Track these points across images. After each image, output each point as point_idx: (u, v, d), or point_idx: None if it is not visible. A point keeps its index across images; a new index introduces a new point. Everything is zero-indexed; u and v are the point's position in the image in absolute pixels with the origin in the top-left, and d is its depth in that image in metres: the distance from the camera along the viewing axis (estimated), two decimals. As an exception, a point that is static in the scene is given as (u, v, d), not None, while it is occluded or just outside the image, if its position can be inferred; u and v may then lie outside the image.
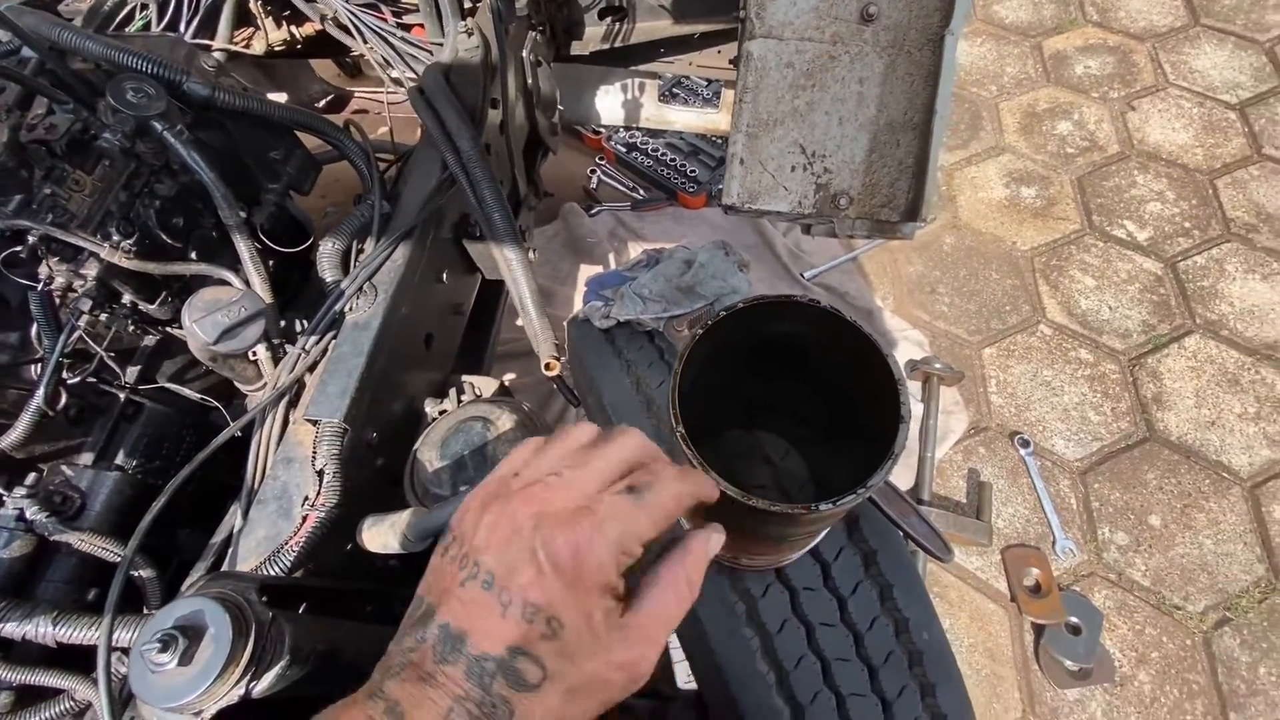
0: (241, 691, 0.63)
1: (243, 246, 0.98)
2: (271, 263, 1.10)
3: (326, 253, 1.05)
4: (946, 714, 0.69)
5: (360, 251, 1.11)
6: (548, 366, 1.15)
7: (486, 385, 1.19)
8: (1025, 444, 1.77)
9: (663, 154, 2.29)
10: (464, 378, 1.15)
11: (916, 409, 1.83)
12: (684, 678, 1.25)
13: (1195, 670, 1.51)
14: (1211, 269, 2.04)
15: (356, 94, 2.17)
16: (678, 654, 1.23)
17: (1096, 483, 1.73)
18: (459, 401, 1.06)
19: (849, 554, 0.70)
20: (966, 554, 1.66)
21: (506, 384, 1.24)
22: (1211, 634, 1.54)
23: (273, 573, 0.85)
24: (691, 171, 2.23)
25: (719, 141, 2.28)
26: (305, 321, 1.04)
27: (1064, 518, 1.69)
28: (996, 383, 1.89)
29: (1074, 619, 1.53)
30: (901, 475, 1.74)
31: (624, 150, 2.32)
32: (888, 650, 0.69)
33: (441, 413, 1.07)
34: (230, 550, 0.90)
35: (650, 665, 0.36)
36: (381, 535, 0.69)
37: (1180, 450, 1.76)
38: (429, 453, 0.93)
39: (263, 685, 0.65)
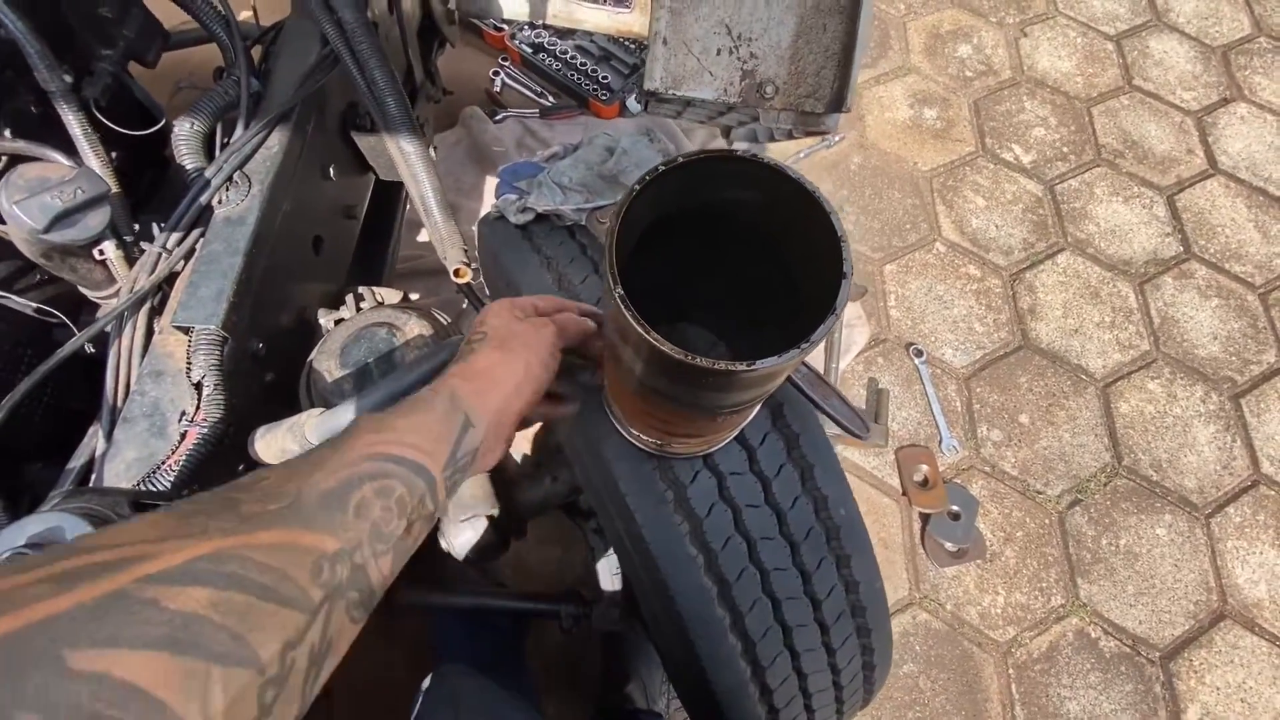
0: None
1: (71, 119, 0.82)
2: (115, 154, 0.94)
3: (184, 135, 0.90)
4: (859, 581, 0.74)
5: (226, 138, 0.96)
6: (457, 273, 1.08)
7: (389, 295, 1.10)
8: (919, 354, 1.89)
9: (573, 57, 2.15)
10: (364, 287, 1.06)
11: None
12: (607, 582, 1.27)
13: (1051, 544, 1.72)
14: (1083, 191, 2.21)
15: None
16: (599, 558, 1.25)
17: (978, 387, 1.89)
18: (358, 309, 0.97)
19: (773, 438, 0.71)
20: (865, 455, 1.78)
21: (410, 298, 1.15)
22: (1065, 513, 1.76)
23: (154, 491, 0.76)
24: (604, 78, 2.11)
25: (632, 46, 2.16)
26: (163, 224, 0.90)
27: (950, 419, 1.84)
28: (895, 297, 1.99)
29: (955, 507, 1.70)
30: (809, 385, 1.82)
31: (530, 51, 2.15)
32: (808, 527, 0.71)
33: (338, 322, 0.98)
34: (94, 475, 0.79)
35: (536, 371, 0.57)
36: (279, 441, 0.62)
37: (1048, 356, 1.94)
38: (327, 361, 0.85)
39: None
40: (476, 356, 0.56)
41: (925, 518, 1.71)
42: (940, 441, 1.81)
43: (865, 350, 1.91)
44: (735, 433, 0.65)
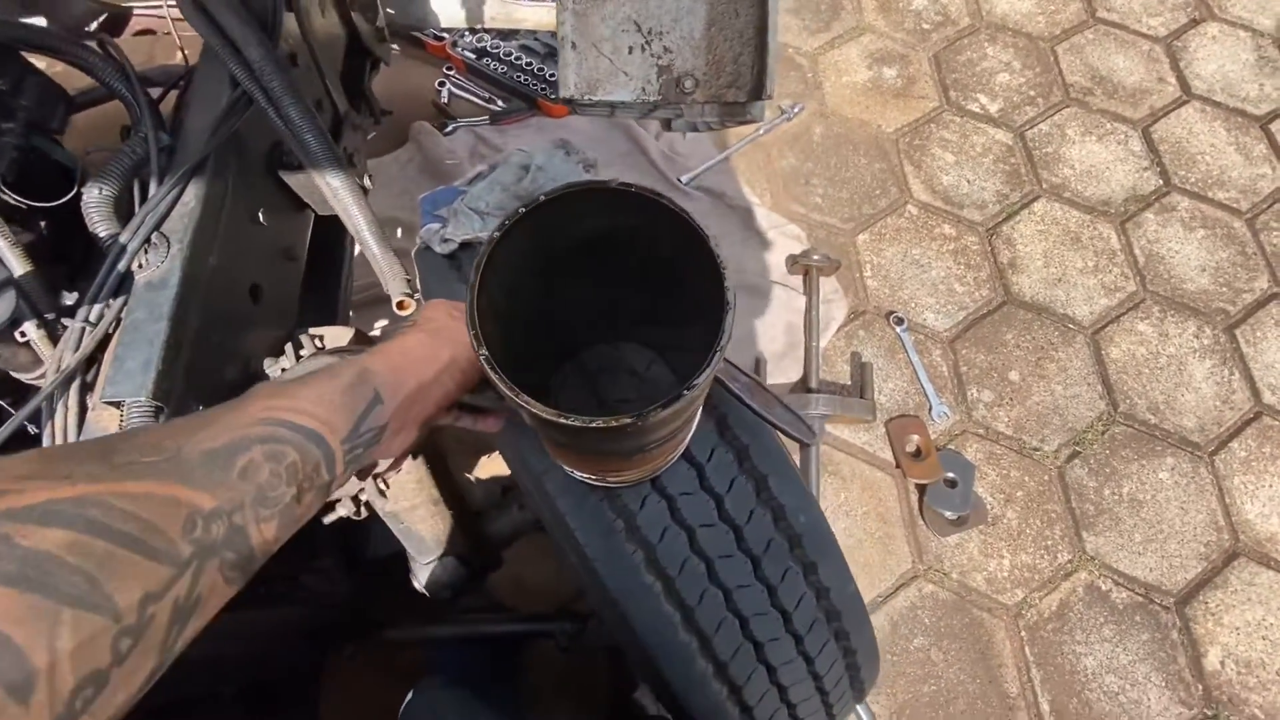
0: None
1: (-31, 199, 0.79)
2: (43, 224, 0.91)
3: (93, 201, 0.87)
4: (829, 586, 0.71)
5: (144, 197, 0.93)
6: (400, 305, 1.05)
7: (337, 335, 1.07)
8: (900, 321, 1.86)
9: (517, 58, 2.10)
10: (308, 331, 1.03)
11: (798, 301, 1.87)
12: (597, 595, 1.25)
13: (1053, 501, 1.69)
14: (1055, 135, 2.15)
15: (136, 10, 1.81)
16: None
17: (964, 349, 1.85)
18: (297, 358, 0.94)
19: (722, 452, 0.68)
20: (855, 431, 1.75)
21: (366, 334, 1.12)
22: (1064, 467, 1.73)
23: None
24: (551, 75, 2.07)
25: (575, 41, 2.11)
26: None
27: (937, 385, 1.80)
28: (871, 267, 1.95)
29: (950, 474, 1.67)
30: (790, 366, 1.79)
31: (474, 57, 2.11)
32: (767, 539, 0.69)
33: (284, 371, 0.95)
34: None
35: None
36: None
37: (1033, 309, 1.90)
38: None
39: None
40: (400, 338, 0.55)
41: (922, 488, 1.69)
42: (930, 409, 1.78)
43: (845, 325, 1.87)
44: (675, 456, 0.62)
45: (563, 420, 0.35)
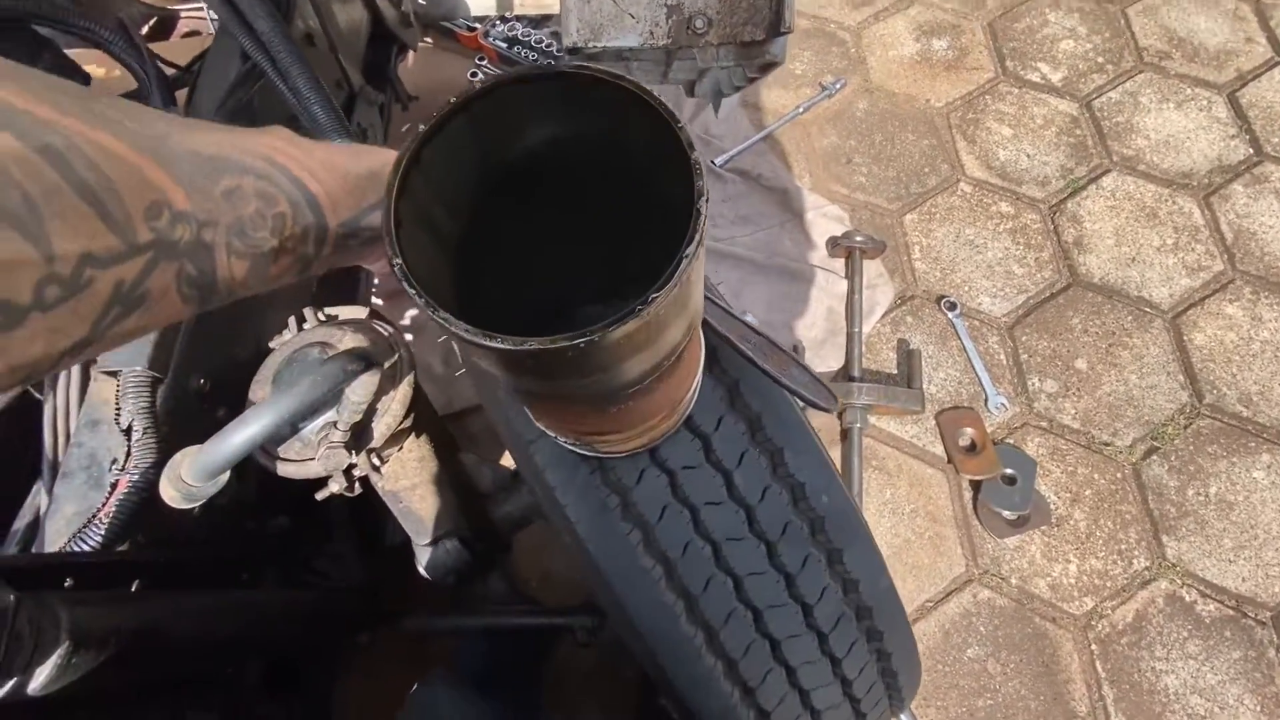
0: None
1: None
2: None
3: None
4: (858, 578, 0.63)
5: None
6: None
7: (351, 314, 1.04)
8: (952, 306, 1.73)
9: (548, 45, 2.07)
10: (309, 308, 1.00)
11: (839, 286, 1.76)
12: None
13: (1127, 501, 1.53)
14: (1126, 103, 1.97)
15: (183, 13, 1.87)
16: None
17: (1024, 335, 1.71)
18: (299, 330, 0.91)
19: (730, 422, 0.61)
20: (902, 423, 1.63)
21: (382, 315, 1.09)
22: (1140, 464, 1.56)
23: (85, 549, 0.72)
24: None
25: (606, 24, 2.06)
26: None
27: (995, 374, 1.66)
28: (920, 249, 1.82)
29: (1009, 470, 1.53)
30: (831, 354, 1.68)
31: (505, 46, 2.08)
32: (783, 521, 0.61)
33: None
34: (37, 533, 0.76)
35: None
36: (166, 489, 0.56)
37: (1102, 291, 1.74)
38: (260, 390, 0.79)
39: (41, 680, 0.53)
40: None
41: (976, 485, 1.55)
42: (986, 400, 1.64)
43: (891, 310, 1.75)
44: (674, 423, 0.55)
45: (489, 343, 0.29)
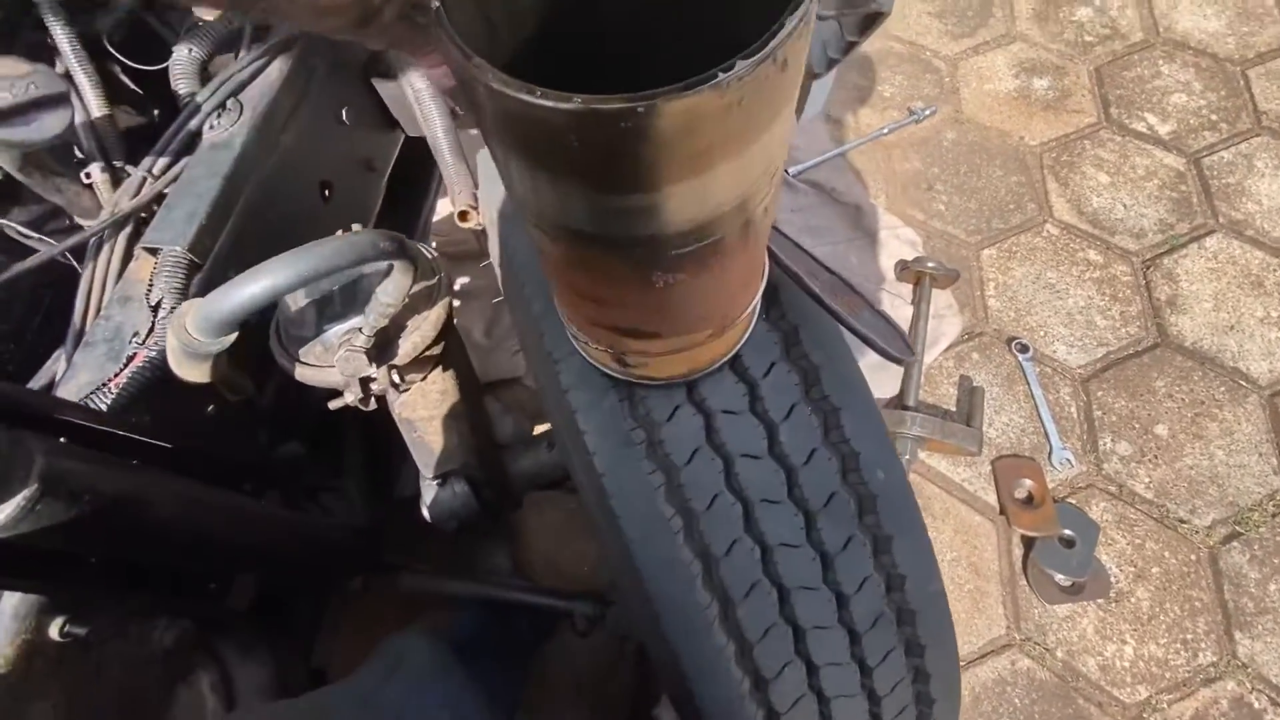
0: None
1: (60, 32, 0.79)
2: (137, 87, 0.92)
3: (180, 60, 0.87)
4: (905, 574, 0.54)
5: (231, 69, 0.92)
6: (463, 215, 0.98)
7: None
8: (1024, 349, 1.61)
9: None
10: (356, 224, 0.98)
11: (904, 311, 1.66)
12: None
13: (1199, 586, 1.37)
14: (1239, 165, 1.83)
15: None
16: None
17: (1100, 391, 1.57)
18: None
19: (783, 370, 0.54)
20: (954, 464, 1.51)
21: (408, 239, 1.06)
22: (1219, 549, 1.40)
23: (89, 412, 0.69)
24: None
25: None
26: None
27: (1062, 427, 1.53)
28: (995, 285, 1.72)
29: (1068, 531, 1.39)
30: (886, 380, 1.58)
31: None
32: (829, 491, 0.53)
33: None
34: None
35: None
36: (169, 341, 0.53)
37: (1194, 356, 1.59)
38: (295, 292, 0.76)
39: (0, 518, 0.49)
40: None
41: (1029, 543, 1.42)
42: (1050, 453, 1.51)
43: (956, 344, 1.64)
44: (720, 353, 0.49)
45: (529, 98, 0.23)
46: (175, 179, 0.84)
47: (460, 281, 1.78)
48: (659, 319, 0.40)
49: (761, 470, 0.53)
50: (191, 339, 0.53)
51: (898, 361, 0.48)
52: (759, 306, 0.52)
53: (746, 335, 0.51)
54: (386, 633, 1.26)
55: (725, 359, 0.51)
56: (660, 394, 0.53)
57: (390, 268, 0.63)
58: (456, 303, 1.78)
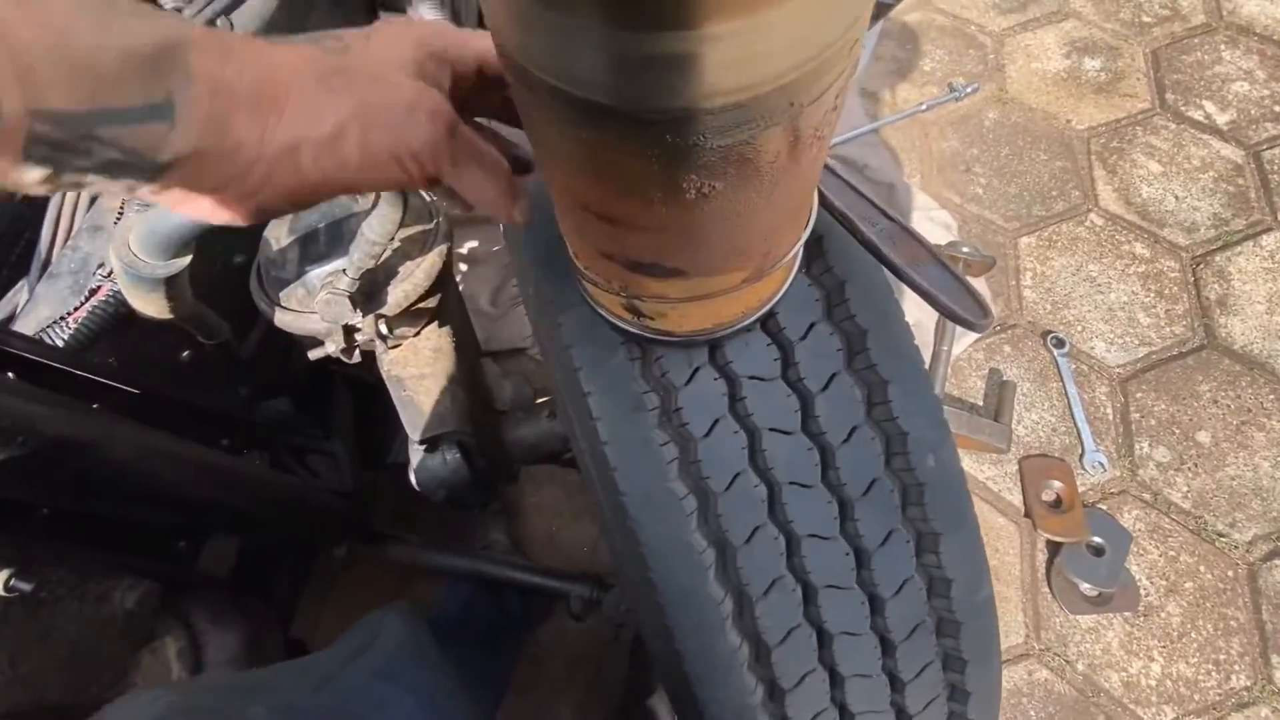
0: None
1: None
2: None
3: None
4: (952, 578, 0.47)
5: None
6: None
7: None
8: (1060, 344, 1.51)
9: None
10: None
11: (935, 298, 1.57)
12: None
13: (1235, 605, 1.29)
14: (1303, 160, 1.71)
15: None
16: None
17: (1139, 392, 1.48)
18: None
19: (824, 333, 0.46)
20: (979, 461, 1.43)
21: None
22: (1259, 566, 1.31)
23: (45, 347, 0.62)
24: None
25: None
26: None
27: (1097, 428, 1.44)
28: (1032, 275, 1.62)
29: (1097, 539, 1.31)
30: (910, 369, 1.50)
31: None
32: (870, 476, 0.45)
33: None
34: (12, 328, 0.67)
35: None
36: (111, 260, 0.45)
37: (1243, 360, 1.49)
38: (277, 229, 0.69)
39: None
40: (286, 53, 0.32)
41: (1055, 548, 1.34)
42: (1082, 455, 1.42)
43: (988, 336, 1.55)
44: (752, 306, 0.41)
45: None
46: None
47: (467, 246, 1.71)
48: (685, 248, 0.32)
49: (792, 448, 0.45)
50: (136, 259, 0.45)
51: (969, 326, 0.40)
52: (801, 256, 0.44)
53: (784, 288, 0.43)
54: (373, 604, 1.20)
55: (757, 315, 0.43)
56: (679, 353, 0.45)
57: (376, 196, 0.56)
58: (463, 267, 1.70)
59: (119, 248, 0.45)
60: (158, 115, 0.28)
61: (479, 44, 0.38)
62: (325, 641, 1.13)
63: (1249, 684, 1.23)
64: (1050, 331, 1.53)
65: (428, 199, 0.77)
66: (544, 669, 1.28)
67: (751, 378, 0.45)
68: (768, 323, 0.46)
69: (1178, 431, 1.43)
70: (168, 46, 0.28)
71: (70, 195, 0.73)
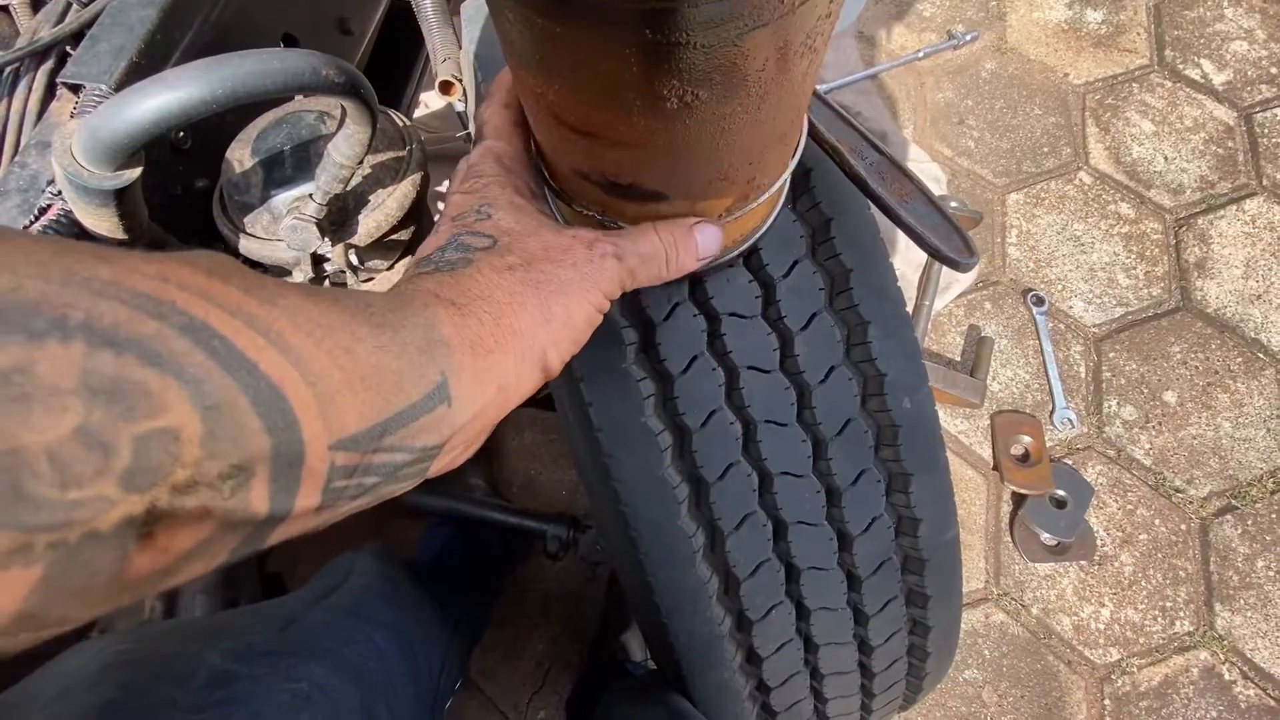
0: None
1: None
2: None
3: None
4: (920, 518, 0.47)
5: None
6: (445, 87, 0.86)
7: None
8: (1039, 302, 1.52)
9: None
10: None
11: (917, 254, 1.56)
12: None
13: (1185, 557, 1.34)
14: (1293, 125, 1.71)
15: None
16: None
17: (1112, 352, 1.50)
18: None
19: (807, 271, 0.45)
20: (952, 415, 1.45)
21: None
22: (1211, 521, 1.37)
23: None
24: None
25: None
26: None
27: (1069, 386, 1.47)
28: (1018, 233, 1.62)
29: (1060, 492, 1.35)
30: (891, 323, 1.50)
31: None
32: (845, 417, 0.45)
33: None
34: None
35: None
36: (54, 168, 0.42)
37: (1215, 323, 1.52)
38: (240, 150, 0.66)
39: None
40: (483, 276, 0.29)
41: (1019, 499, 1.38)
42: (1052, 411, 1.45)
43: (970, 292, 1.56)
44: (739, 243, 0.40)
45: None
46: (105, 7, 0.71)
47: (444, 186, 1.65)
48: (665, 168, 0.31)
49: (769, 387, 0.44)
50: (80, 168, 0.43)
51: (955, 265, 0.39)
52: (788, 189, 0.43)
53: (769, 223, 0.42)
54: (351, 541, 1.21)
55: (740, 250, 0.42)
56: (657, 287, 0.44)
57: (343, 117, 0.53)
58: (441, 204, 1.66)
59: (61, 155, 0.42)
60: (438, 398, 0.25)
61: None
62: (303, 576, 1.14)
63: (1192, 629, 1.30)
64: (1031, 289, 1.54)
65: (400, 122, 0.74)
66: (522, 606, 1.31)
67: (731, 315, 0.44)
68: (751, 259, 0.45)
69: (1146, 391, 1.47)
70: (428, 323, 0.26)
71: (15, 110, 0.68)
